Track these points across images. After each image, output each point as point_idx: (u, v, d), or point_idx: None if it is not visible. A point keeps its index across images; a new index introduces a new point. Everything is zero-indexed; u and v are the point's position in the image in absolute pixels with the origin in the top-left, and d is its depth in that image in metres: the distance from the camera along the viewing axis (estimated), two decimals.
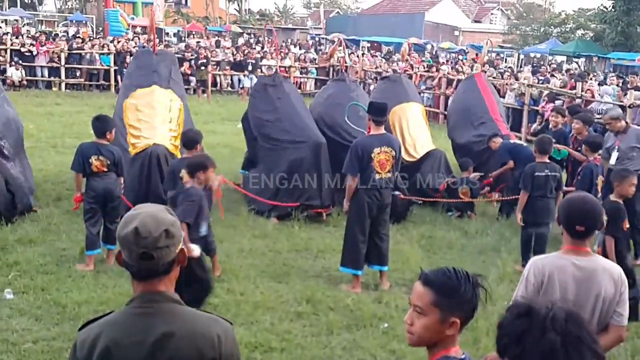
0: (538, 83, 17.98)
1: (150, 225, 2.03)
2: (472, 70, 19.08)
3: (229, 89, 23.75)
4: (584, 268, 3.18)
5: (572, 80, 17.06)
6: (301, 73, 24.89)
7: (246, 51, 25.33)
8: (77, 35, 25.16)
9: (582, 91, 15.35)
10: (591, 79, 19.71)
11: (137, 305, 2.09)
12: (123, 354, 2.03)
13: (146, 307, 2.08)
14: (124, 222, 2.07)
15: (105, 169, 6.53)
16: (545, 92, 16.69)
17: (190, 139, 6.53)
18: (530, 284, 3.21)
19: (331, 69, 24.76)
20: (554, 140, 7.85)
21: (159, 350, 2.03)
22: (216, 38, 35.25)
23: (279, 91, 9.64)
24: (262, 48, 27.21)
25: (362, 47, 37.64)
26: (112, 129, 6.69)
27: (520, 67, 31.85)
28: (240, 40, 34.27)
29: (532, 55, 36.76)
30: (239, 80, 23.62)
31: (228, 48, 27.20)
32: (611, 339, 3.20)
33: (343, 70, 11.21)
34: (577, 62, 33.06)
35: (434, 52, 34.27)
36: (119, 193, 6.79)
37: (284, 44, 34.16)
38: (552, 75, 19.48)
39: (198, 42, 28.77)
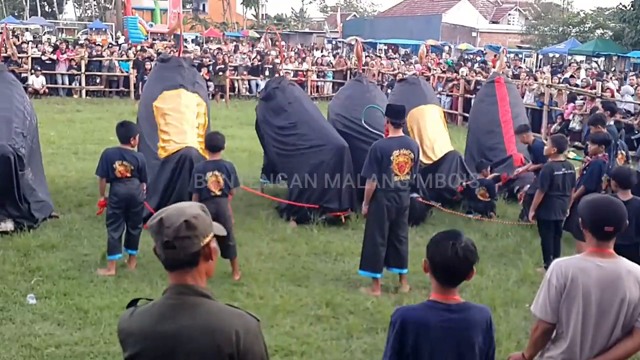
0: (557, 83, 17.83)
1: (173, 216, 2.17)
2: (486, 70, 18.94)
3: (247, 93, 23.85)
4: (609, 270, 3.13)
5: (594, 80, 16.93)
6: (318, 76, 24.91)
7: (261, 56, 25.43)
8: (97, 43, 25.47)
9: (601, 91, 15.21)
10: (610, 78, 19.52)
11: (167, 297, 2.21)
12: (149, 343, 2.15)
13: (174, 298, 2.19)
14: (154, 215, 2.23)
15: (129, 175, 6.59)
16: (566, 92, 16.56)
17: (215, 143, 6.54)
18: (552, 286, 3.17)
19: (349, 72, 24.79)
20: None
21: (178, 342, 2.13)
22: (234, 43, 35.45)
23: (288, 95, 9.58)
24: (279, 52, 27.28)
25: (379, 49, 37.63)
26: (136, 134, 6.76)
27: (539, 67, 31.60)
28: (261, 46, 34.38)
29: (550, 55, 36.44)
30: (257, 84, 23.72)
31: (245, 53, 27.33)
32: (636, 342, 3.15)
33: (359, 72, 11.21)
34: (596, 62, 32.70)
35: (459, 56, 33.94)
36: (142, 199, 6.84)
37: (298, 47, 34.26)
38: (572, 76, 19.30)
39: (219, 48, 28.93)
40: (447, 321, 2.74)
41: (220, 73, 21.78)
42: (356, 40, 11.98)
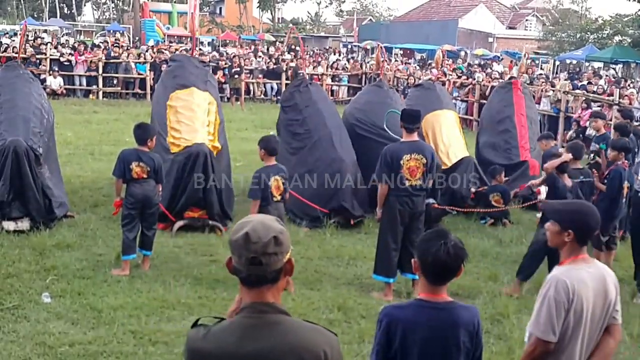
0: (574, 89, 17.72)
1: (260, 231, 2.09)
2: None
3: (262, 96, 23.91)
4: (596, 276, 3.10)
5: (612, 87, 16.81)
6: (333, 80, 24.91)
7: (280, 59, 25.52)
8: (115, 45, 25.67)
9: (619, 98, 15.10)
10: (629, 85, 19.36)
11: (247, 315, 2.12)
12: None
13: (255, 317, 2.11)
14: (236, 228, 2.14)
15: (145, 176, 6.61)
16: (582, 99, 16.46)
17: (274, 146, 6.47)
18: (560, 303, 2.98)
19: (364, 76, 24.78)
20: (599, 147, 7.77)
21: None
22: (252, 47, 35.64)
23: (306, 98, 9.63)
24: (295, 56, 27.36)
25: (395, 54, 37.61)
26: (153, 136, 6.79)
27: (556, 73, 31.38)
28: (272, 49, 34.54)
29: (567, 61, 36.20)
30: (272, 87, 23.80)
31: (261, 57, 27.44)
32: (617, 339, 3.20)
33: (381, 77, 11.23)
34: (614, 69, 32.43)
35: (470, 62, 33.88)
36: (157, 200, 6.87)
37: (313, 50, 34.35)
38: (590, 83, 19.17)
39: (226, 51, 29.03)
40: (434, 320, 2.76)
41: (236, 76, 21.88)
42: (378, 45, 11.95)
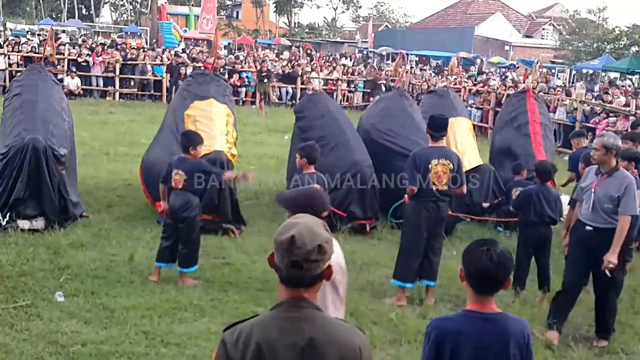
0: (591, 99, 17.61)
1: (306, 237, 2.14)
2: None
3: (277, 100, 23.95)
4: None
5: (629, 97, 16.69)
6: (348, 86, 24.88)
7: (295, 64, 25.59)
8: (133, 47, 25.85)
9: (635, 108, 14.99)
10: None
11: (285, 309, 2.19)
12: (275, 354, 2.13)
13: (293, 311, 2.17)
14: (283, 228, 2.20)
15: (181, 186, 6.41)
16: (598, 109, 16.35)
17: (316, 155, 6.39)
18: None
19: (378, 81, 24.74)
20: None
21: (309, 354, 2.13)
22: (267, 50, 35.76)
23: (321, 106, 9.71)
24: (311, 60, 27.39)
25: (410, 60, 37.61)
26: (197, 145, 6.54)
27: (572, 83, 31.22)
28: (286, 54, 34.61)
29: (584, 71, 35.99)
30: (287, 92, 23.84)
31: (277, 61, 27.50)
32: None
33: (398, 84, 11.27)
34: (630, 79, 32.19)
35: (482, 68, 33.81)
36: (188, 214, 6.41)
37: (329, 57, 34.39)
38: (606, 93, 19.04)
39: (241, 54, 29.16)
40: (483, 331, 2.70)
41: (265, 80, 21.94)
42: (400, 52, 12.01)
